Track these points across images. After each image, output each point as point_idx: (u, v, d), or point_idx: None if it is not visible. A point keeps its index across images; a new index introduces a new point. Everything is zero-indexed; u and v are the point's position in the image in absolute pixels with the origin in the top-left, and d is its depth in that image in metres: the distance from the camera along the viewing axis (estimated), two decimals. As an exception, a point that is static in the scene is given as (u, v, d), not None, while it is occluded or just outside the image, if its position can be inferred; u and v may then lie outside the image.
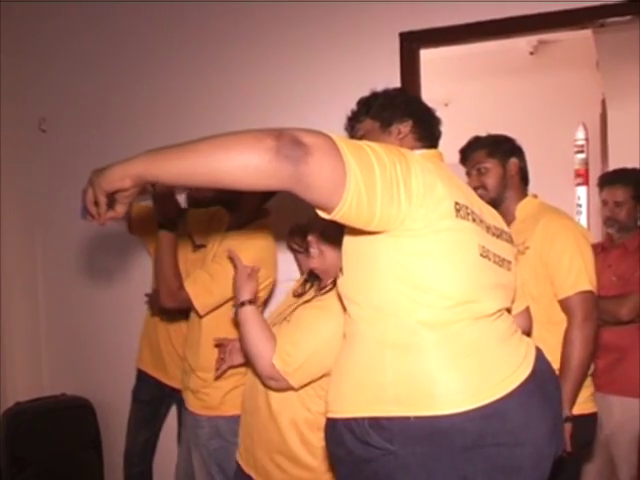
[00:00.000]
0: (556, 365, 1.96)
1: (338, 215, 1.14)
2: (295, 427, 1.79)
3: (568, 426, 2.00)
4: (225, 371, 2.09)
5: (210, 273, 2.20)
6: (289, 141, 1.06)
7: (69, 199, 3.43)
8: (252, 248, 2.20)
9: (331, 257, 1.82)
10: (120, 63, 3.35)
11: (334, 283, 1.74)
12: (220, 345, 2.08)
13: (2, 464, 3.11)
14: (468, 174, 2.30)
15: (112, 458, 3.30)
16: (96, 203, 1.24)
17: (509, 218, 2.20)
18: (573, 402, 2.05)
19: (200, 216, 2.61)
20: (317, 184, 1.10)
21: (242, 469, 1.96)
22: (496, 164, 2.25)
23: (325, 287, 1.86)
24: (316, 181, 1.09)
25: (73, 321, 3.52)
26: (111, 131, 3.35)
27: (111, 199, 1.26)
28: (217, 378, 2.17)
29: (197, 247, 2.61)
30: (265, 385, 1.79)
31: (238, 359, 2.04)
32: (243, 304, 1.80)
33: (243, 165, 1.07)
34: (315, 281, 1.97)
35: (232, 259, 1.94)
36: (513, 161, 2.27)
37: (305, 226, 1.97)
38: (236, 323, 1.89)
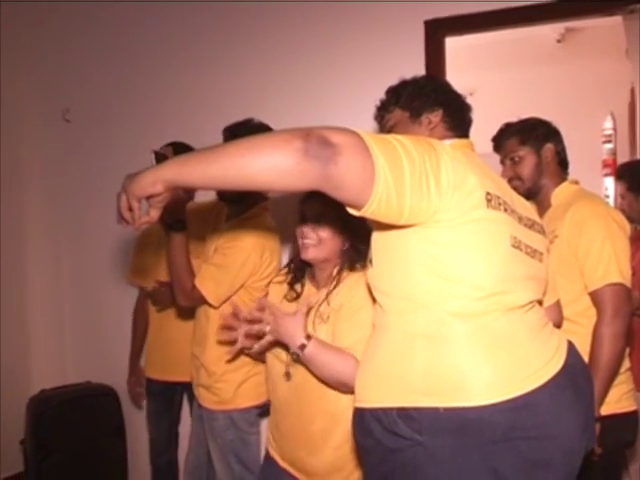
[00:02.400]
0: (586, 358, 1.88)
1: (368, 212, 1.15)
2: None
3: (596, 426, 1.84)
4: (237, 355, 2.01)
5: (216, 264, 2.20)
6: (317, 141, 1.06)
7: (93, 188, 3.48)
8: (252, 235, 2.21)
9: (331, 244, 1.81)
10: (145, 53, 3.36)
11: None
12: (235, 316, 1.88)
13: (28, 450, 3.15)
14: (502, 163, 2.21)
15: (136, 446, 3.33)
16: (130, 208, 1.25)
17: (545, 206, 2.13)
18: (601, 402, 1.92)
19: (199, 209, 2.61)
20: (346, 183, 1.10)
21: (276, 462, 1.96)
22: (530, 152, 2.13)
23: (332, 287, 1.83)
24: (345, 180, 1.09)
25: (98, 309, 3.55)
26: (135, 120, 3.37)
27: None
28: (229, 361, 2.14)
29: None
30: None
31: (251, 342, 1.91)
32: (304, 346, 1.66)
33: (272, 167, 1.07)
34: (303, 278, 1.94)
35: (263, 308, 1.77)
36: (548, 147, 2.14)
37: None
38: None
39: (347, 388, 1.64)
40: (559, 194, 2.12)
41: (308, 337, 1.68)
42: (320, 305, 1.84)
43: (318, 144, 1.06)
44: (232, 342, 1.86)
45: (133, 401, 3.15)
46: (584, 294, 2.00)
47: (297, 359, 1.73)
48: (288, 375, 1.87)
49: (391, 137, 1.18)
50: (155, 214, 1.32)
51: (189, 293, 2.19)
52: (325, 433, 1.81)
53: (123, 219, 1.28)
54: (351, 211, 1.18)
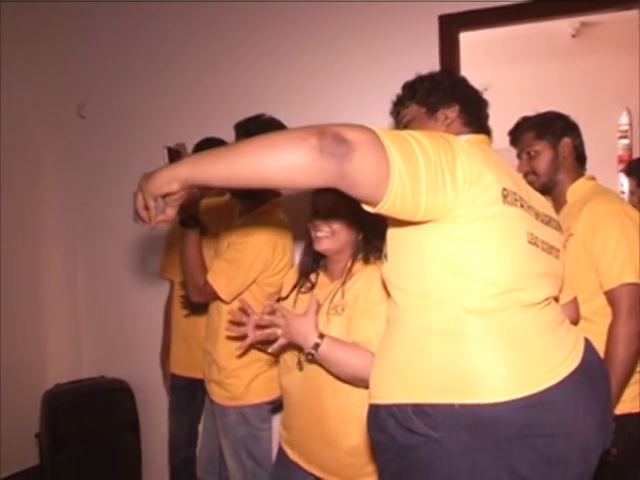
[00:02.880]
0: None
1: (383, 209, 1.14)
2: None
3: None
4: (247, 349, 1.98)
5: (228, 260, 2.20)
6: (332, 139, 1.06)
7: (108, 183, 3.50)
8: (264, 230, 2.21)
9: (344, 235, 1.82)
10: (161, 49, 3.36)
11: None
12: (243, 311, 1.88)
13: (43, 444, 3.18)
14: (519, 157, 2.18)
15: (150, 441, 3.35)
16: (146, 207, 1.27)
17: (561, 202, 2.11)
18: (617, 401, 1.89)
19: (212, 206, 2.61)
20: (361, 180, 1.10)
21: (286, 455, 1.96)
22: (546, 146, 2.10)
23: (346, 279, 1.83)
24: (360, 177, 1.09)
25: (112, 305, 3.58)
26: (150, 116, 3.38)
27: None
28: (240, 356, 2.16)
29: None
30: None
31: (262, 335, 1.92)
32: (318, 345, 1.66)
33: (288, 165, 1.07)
34: (318, 269, 1.95)
35: (273, 312, 1.76)
36: (565, 141, 2.11)
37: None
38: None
39: (364, 383, 1.62)
40: (575, 190, 2.10)
41: (321, 336, 1.67)
42: (334, 296, 1.84)
43: (333, 141, 1.06)
44: (242, 337, 1.85)
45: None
46: (599, 293, 1.97)
47: (312, 359, 1.72)
48: (301, 365, 1.88)
49: (406, 133, 1.17)
50: (171, 212, 1.33)
51: (201, 289, 2.20)
52: (338, 425, 1.81)
53: (140, 218, 1.30)
54: (367, 208, 1.17)
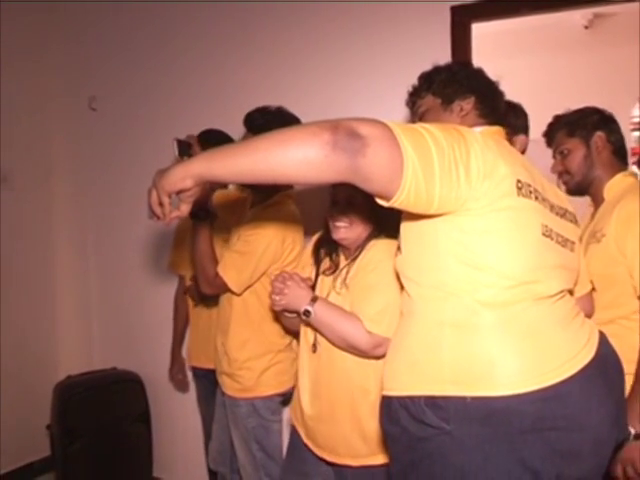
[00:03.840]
0: (634, 367, 1.73)
1: (397, 203, 1.14)
2: None
3: (638, 445, 1.66)
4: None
5: (238, 251, 2.20)
6: (346, 134, 1.06)
7: (119, 176, 3.51)
8: (274, 222, 2.22)
9: (362, 226, 1.85)
10: (173, 42, 3.35)
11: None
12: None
13: (54, 435, 3.20)
14: (554, 157, 2.07)
15: (160, 432, 3.37)
16: (161, 204, 1.28)
17: (599, 200, 1.98)
18: None
19: (225, 198, 2.61)
20: (375, 175, 1.10)
21: (299, 436, 1.99)
22: (578, 143, 1.99)
23: (356, 255, 1.87)
24: (374, 172, 1.09)
25: (124, 297, 3.59)
26: (161, 108, 3.37)
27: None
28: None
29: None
30: (377, 358, 1.75)
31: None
32: (308, 312, 1.80)
33: (302, 160, 1.08)
34: (335, 252, 1.99)
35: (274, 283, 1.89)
36: (598, 134, 1.98)
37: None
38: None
39: (356, 350, 1.76)
40: (612, 188, 1.96)
41: (314, 299, 1.80)
42: (347, 273, 1.88)
43: (346, 136, 1.06)
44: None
45: (177, 389, 3.17)
46: (634, 297, 1.83)
47: (307, 321, 1.82)
48: (315, 347, 1.91)
49: (419, 127, 1.17)
50: (185, 208, 1.34)
51: (212, 281, 2.20)
52: (351, 407, 1.82)
53: (154, 214, 1.31)
54: (380, 202, 1.17)
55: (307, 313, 1.79)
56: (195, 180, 1.22)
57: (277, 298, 1.85)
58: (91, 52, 3.60)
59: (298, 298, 1.81)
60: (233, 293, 2.24)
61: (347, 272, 1.87)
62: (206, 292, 2.31)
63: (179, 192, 1.27)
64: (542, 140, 2.17)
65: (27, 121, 3.52)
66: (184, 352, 3.06)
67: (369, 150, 1.07)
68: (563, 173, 2.03)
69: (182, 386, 3.13)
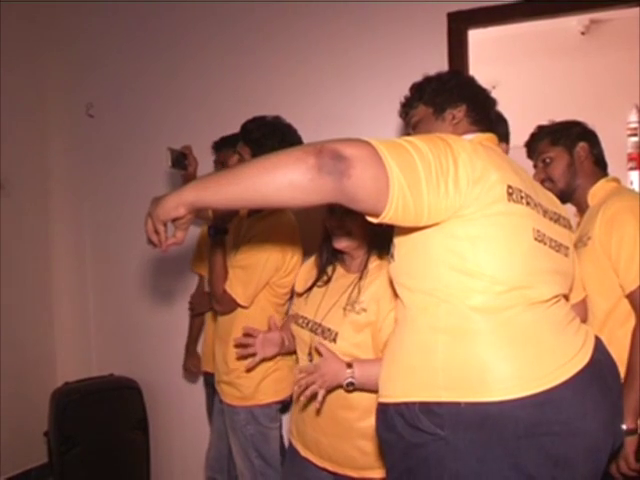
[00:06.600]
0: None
1: (386, 219, 1.16)
2: None
3: (631, 440, 1.71)
4: (258, 364, 2.08)
5: (240, 266, 2.23)
6: (330, 157, 1.09)
7: (117, 183, 3.51)
8: (273, 232, 2.24)
9: (360, 233, 1.83)
10: (169, 49, 3.36)
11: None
12: (249, 335, 2.02)
13: (52, 442, 3.19)
14: (535, 167, 2.10)
15: (158, 439, 3.37)
16: (157, 232, 1.32)
17: (584, 207, 2.02)
18: (638, 413, 1.74)
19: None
20: (361, 195, 1.12)
21: (297, 452, 1.98)
22: (561, 152, 2.03)
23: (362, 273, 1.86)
24: (360, 192, 1.11)
25: (122, 303, 3.58)
26: (158, 116, 3.38)
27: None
28: (249, 370, 2.18)
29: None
30: None
31: (271, 350, 2.04)
32: (352, 384, 1.70)
33: (288, 186, 1.11)
34: (335, 262, 1.98)
35: (306, 372, 1.77)
36: (582, 145, 2.02)
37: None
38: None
39: None
40: (596, 193, 2.00)
41: (349, 366, 1.70)
42: (352, 291, 1.86)
43: (331, 159, 1.08)
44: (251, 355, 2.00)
45: (187, 376, 3.18)
46: (623, 298, 1.84)
47: (354, 389, 1.72)
48: (311, 356, 1.90)
49: (404, 141, 1.18)
50: (181, 235, 1.38)
51: (220, 298, 2.24)
52: (350, 417, 1.82)
53: (151, 242, 1.35)
54: (370, 219, 1.19)
55: (350, 385, 1.70)
56: (188, 208, 1.26)
57: (318, 388, 1.71)
58: (88, 59, 3.60)
59: (336, 375, 1.71)
60: (242, 307, 2.26)
61: (357, 292, 1.84)
62: (219, 310, 2.34)
63: (174, 220, 1.30)
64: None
65: (24, 128, 3.52)
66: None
67: (354, 171, 1.08)
68: (545, 181, 2.04)
69: (193, 375, 3.12)
